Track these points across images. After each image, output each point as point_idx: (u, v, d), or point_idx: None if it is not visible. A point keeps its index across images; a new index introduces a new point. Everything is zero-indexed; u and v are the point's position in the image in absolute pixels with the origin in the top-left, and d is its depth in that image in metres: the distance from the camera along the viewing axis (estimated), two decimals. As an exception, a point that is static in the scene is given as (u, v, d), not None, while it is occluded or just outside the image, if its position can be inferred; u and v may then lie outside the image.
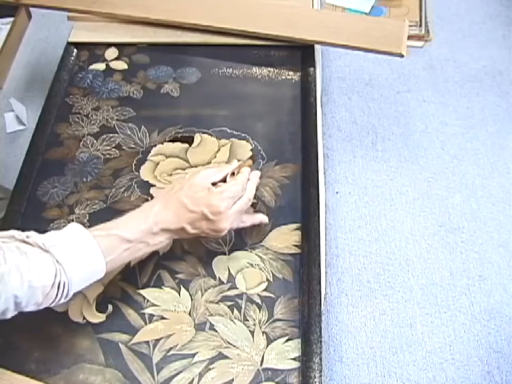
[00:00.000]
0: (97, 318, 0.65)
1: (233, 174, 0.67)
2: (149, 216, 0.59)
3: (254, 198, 0.73)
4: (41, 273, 0.50)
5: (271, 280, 0.67)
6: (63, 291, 0.53)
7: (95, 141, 0.81)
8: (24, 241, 0.52)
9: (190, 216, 0.60)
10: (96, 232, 0.56)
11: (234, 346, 0.63)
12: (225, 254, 0.70)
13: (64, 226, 0.71)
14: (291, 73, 0.87)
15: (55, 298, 0.53)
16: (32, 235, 0.53)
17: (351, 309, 1.04)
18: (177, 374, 0.61)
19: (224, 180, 0.65)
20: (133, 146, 0.80)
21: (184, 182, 0.63)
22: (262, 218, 0.70)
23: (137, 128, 0.82)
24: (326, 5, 1.53)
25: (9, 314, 0.51)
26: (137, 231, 0.58)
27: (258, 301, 0.66)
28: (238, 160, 0.72)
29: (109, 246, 0.56)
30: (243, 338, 0.63)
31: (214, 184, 0.64)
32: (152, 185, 0.76)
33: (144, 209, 0.61)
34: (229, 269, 0.68)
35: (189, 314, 0.65)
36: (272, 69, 0.88)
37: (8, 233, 0.53)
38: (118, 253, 0.57)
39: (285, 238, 0.71)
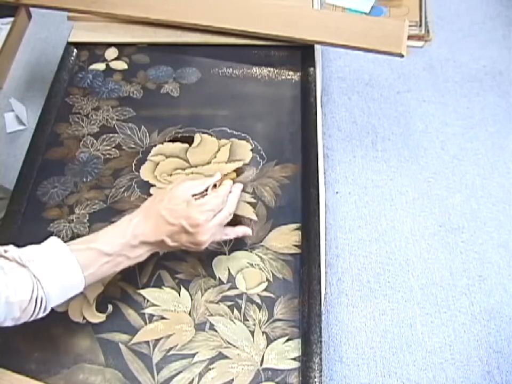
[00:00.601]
0: (97, 318, 0.65)
1: (215, 186, 0.67)
2: (128, 229, 0.59)
3: (254, 198, 0.74)
4: (18, 289, 0.50)
5: (271, 280, 0.67)
6: (40, 306, 0.52)
7: (95, 141, 0.81)
8: (2, 256, 0.52)
9: (169, 229, 0.60)
10: (74, 246, 0.56)
11: (234, 346, 0.63)
12: (225, 254, 0.70)
13: (64, 226, 0.72)
14: (291, 73, 0.87)
15: (33, 313, 0.52)
16: (10, 249, 0.53)
17: (351, 309, 1.04)
18: (177, 374, 0.61)
19: (205, 192, 0.65)
20: (133, 146, 0.80)
21: (164, 194, 0.63)
22: (245, 230, 0.68)
23: (137, 128, 0.82)
24: (326, 5, 1.53)
25: None
26: (116, 244, 0.58)
27: (258, 301, 0.66)
28: (231, 168, 0.72)
29: (87, 260, 0.56)
30: (243, 338, 0.63)
31: (195, 196, 0.63)
32: (152, 185, 0.76)
33: (123, 222, 0.60)
34: (229, 269, 0.68)
35: (189, 314, 0.65)
36: (272, 69, 0.88)
37: None
38: (97, 267, 0.56)
39: (285, 238, 0.71)
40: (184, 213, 0.60)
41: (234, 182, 0.69)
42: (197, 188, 0.64)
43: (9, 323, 0.52)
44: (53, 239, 0.56)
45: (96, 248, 0.57)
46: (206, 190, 0.65)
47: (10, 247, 0.53)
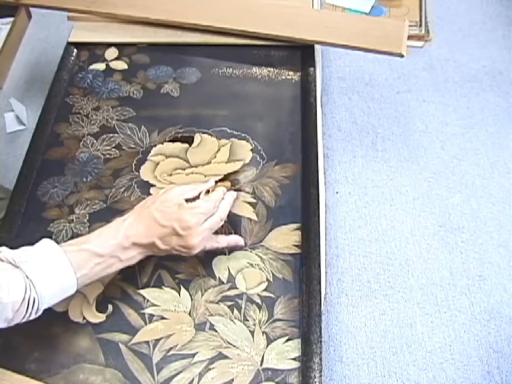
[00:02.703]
0: (97, 318, 0.65)
1: (208, 192, 0.67)
2: (119, 230, 0.59)
3: (254, 198, 0.74)
4: (11, 289, 0.50)
5: (271, 280, 0.67)
6: (32, 307, 0.52)
7: (95, 141, 0.81)
8: None
9: (160, 231, 0.60)
10: (67, 248, 0.56)
11: (234, 346, 0.63)
12: (225, 254, 0.70)
13: (64, 226, 0.72)
14: (291, 73, 0.87)
15: (25, 314, 0.52)
16: (3, 250, 0.53)
17: (351, 309, 1.04)
18: (177, 374, 0.61)
19: (198, 197, 0.65)
20: (133, 146, 0.80)
21: (157, 197, 0.63)
22: (237, 240, 0.68)
23: (137, 128, 0.82)
24: (326, 5, 1.53)
25: None
26: (108, 245, 0.58)
27: (258, 301, 0.66)
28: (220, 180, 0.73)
29: (80, 261, 0.56)
30: (243, 338, 0.63)
31: (187, 200, 0.63)
32: (152, 185, 0.76)
33: (115, 223, 0.61)
34: (229, 269, 0.68)
35: (189, 314, 0.65)
36: (272, 69, 0.88)
37: None
38: (89, 268, 0.56)
39: (285, 238, 0.71)
40: (175, 215, 0.60)
41: (228, 190, 0.70)
42: (189, 192, 0.65)
43: (1, 325, 0.52)
44: (46, 241, 0.56)
45: (89, 249, 0.57)
46: (199, 196, 0.66)
47: (3, 248, 0.53)
